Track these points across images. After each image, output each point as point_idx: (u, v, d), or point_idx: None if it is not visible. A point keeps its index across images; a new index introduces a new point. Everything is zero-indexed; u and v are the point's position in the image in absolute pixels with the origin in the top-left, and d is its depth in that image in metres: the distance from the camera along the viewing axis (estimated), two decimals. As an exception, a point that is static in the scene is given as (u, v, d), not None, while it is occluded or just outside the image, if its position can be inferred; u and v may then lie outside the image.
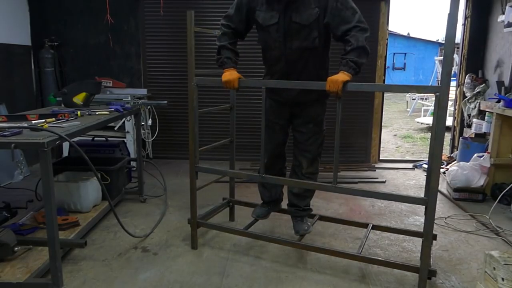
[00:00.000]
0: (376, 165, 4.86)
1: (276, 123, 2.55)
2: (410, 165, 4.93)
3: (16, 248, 2.24)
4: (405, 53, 19.98)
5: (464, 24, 4.83)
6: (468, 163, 3.75)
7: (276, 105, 2.52)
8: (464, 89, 4.79)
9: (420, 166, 4.83)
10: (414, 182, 4.31)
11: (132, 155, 4.21)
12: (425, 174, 2.33)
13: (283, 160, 2.73)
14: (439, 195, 3.68)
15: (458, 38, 4.49)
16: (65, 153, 4.32)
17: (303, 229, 2.56)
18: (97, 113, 2.82)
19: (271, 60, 2.38)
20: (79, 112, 2.70)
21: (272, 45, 2.28)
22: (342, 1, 2.11)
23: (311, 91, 2.33)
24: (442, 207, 3.49)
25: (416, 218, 3.23)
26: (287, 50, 2.26)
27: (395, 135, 7.91)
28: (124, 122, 4.39)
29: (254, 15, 2.26)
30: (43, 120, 2.39)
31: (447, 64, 1.87)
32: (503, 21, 4.22)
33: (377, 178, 4.37)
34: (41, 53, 4.63)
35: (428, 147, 2.12)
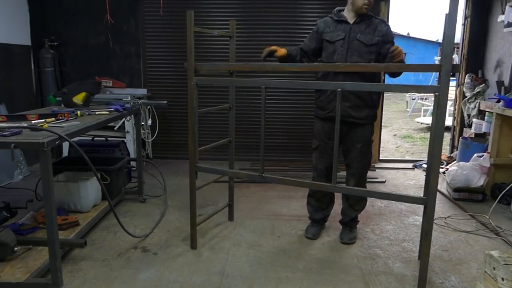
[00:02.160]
0: (376, 165, 4.87)
1: (327, 144, 2.69)
2: (410, 165, 4.93)
3: (16, 248, 2.24)
4: (405, 53, 19.80)
5: (464, 24, 4.83)
6: (468, 163, 3.74)
7: (328, 125, 2.68)
8: (464, 89, 4.79)
9: (420, 166, 4.83)
10: (413, 182, 4.31)
11: (132, 155, 4.21)
12: (425, 174, 2.33)
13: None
14: (438, 195, 3.69)
15: (458, 38, 4.49)
16: (65, 153, 4.32)
17: (348, 238, 2.79)
18: (97, 113, 2.82)
19: (330, 73, 2.58)
20: (79, 112, 2.70)
21: (335, 57, 2.58)
22: (392, 39, 2.63)
23: (362, 106, 2.58)
24: (442, 207, 3.49)
25: (416, 218, 3.23)
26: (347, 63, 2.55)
27: (395, 135, 7.92)
28: (124, 122, 4.39)
29: (323, 36, 2.66)
30: (43, 120, 2.39)
31: (446, 64, 1.87)
32: (503, 21, 4.22)
33: (377, 178, 4.37)
34: (41, 53, 4.63)
35: (428, 147, 2.12)
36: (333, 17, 2.66)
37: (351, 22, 2.59)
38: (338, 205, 2.92)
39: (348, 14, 2.62)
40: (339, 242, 2.79)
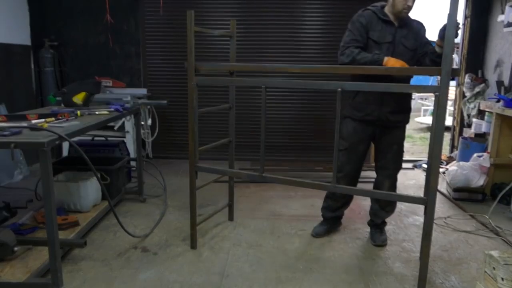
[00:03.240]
0: (376, 165, 4.86)
1: (358, 147, 2.66)
2: (410, 165, 4.92)
3: (16, 248, 2.24)
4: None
5: (464, 24, 4.83)
6: (467, 163, 3.74)
7: (361, 128, 2.62)
8: (464, 89, 4.79)
9: (420, 166, 4.83)
10: (413, 182, 4.31)
11: (132, 155, 4.20)
12: (425, 174, 2.34)
13: (357, 182, 2.83)
14: (438, 195, 3.69)
15: (458, 38, 4.48)
16: (65, 153, 4.32)
17: (381, 240, 2.78)
18: (96, 112, 2.82)
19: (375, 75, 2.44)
20: (78, 112, 2.70)
21: None
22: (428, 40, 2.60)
23: (400, 111, 2.58)
24: (441, 207, 3.49)
25: (415, 218, 3.24)
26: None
27: (395, 135, 7.90)
28: (124, 122, 4.39)
29: (369, 34, 2.54)
30: (43, 120, 2.38)
31: (446, 64, 1.87)
32: (502, 21, 4.23)
33: (377, 178, 4.36)
34: (41, 52, 4.63)
35: (428, 146, 2.12)
36: (379, 14, 2.53)
37: (396, 24, 2.53)
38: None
39: (390, 15, 2.53)
40: (372, 244, 2.77)
